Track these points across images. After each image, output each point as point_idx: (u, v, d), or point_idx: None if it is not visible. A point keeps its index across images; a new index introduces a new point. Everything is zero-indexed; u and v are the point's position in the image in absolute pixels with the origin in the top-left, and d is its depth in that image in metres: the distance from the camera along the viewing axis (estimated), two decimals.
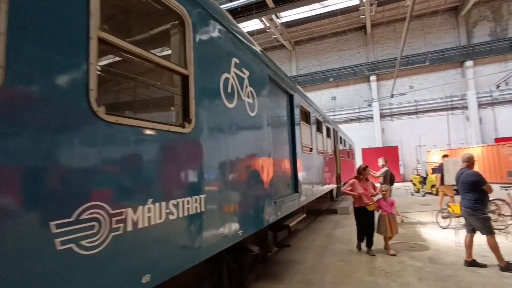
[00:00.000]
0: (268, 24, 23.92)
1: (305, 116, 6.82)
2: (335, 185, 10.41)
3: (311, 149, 6.77)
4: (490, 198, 7.19)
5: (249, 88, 3.50)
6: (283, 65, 29.24)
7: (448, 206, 7.39)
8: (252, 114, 3.54)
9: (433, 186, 14.17)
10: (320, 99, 27.91)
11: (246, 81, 3.42)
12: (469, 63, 23.92)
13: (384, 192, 5.87)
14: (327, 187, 8.64)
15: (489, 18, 24.47)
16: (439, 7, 24.46)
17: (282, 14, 24.28)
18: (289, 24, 25.86)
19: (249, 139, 3.44)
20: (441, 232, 6.82)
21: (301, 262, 5.32)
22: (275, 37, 26.31)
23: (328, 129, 9.98)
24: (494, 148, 18.30)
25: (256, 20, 23.83)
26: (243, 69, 3.36)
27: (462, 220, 7.50)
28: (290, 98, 5.51)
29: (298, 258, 5.52)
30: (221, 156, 2.79)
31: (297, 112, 5.73)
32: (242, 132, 3.28)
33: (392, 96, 18.40)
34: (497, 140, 22.92)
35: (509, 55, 23.39)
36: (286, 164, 5.04)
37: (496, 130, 23.74)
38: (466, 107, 24.34)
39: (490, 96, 23.76)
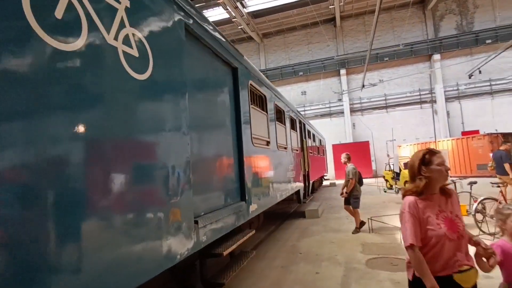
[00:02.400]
0: (233, 14, 22.34)
1: (260, 100, 5.40)
2: (303, 185, 9.13)
3: (268, 143, 5.37)
4: (480, 198, 6.19)
5: (130, 30, 1.99)
6: (252, 59, 27.79)
7: None
8: (140, 77, 2.04)
9: (406, 182, 13.37)
10: (290, 94, 26.80)
11: (121, 14, 1.90)
12: (436, 56, 23.78)
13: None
14: (292, 188, 7.31)
15: (455, 12, 24.48)
16: (407, 0, 24.11)
17: (248, 3, 22.83)
18: (256, 14, 24.44)
19: (131, 119, 1.94)
20: None
21: None
22: (241, 28, 24.77)
23: (293, 121, 8.65)
24: (464, 141, 18.02)
25: (221, 9, 22.24)
26: None
27: None
28: (234, 72, 4.05)
29: None
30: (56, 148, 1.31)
31: (244, 93, 4.28)
32: (109, 105, 1.78)
33: (363, 86, 17.55)
34: (464, 133, 22.97)
35: (475, 49, 23.51)
36: (226, 162, 3.59)
37: (463, 124, 23.82)
38: (434, 101, 24.23)
39: (457, 89, 23.78)
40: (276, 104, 6.30)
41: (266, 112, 5.48)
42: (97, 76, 1.72)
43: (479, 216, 6.05)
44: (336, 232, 6.88)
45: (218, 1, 20.43)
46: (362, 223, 6.78)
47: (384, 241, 5.83)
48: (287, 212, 10.12)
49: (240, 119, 3.99)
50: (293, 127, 8.66)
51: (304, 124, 10.63)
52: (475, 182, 6.73)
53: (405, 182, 13.56)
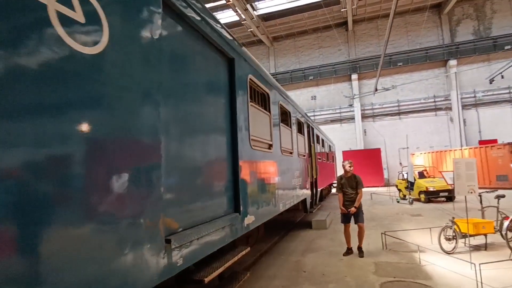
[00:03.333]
0: (243, 16, 21.99)
1: (262, 99, 4.86)
2: (310, 193, 8.50)
3: (270, 146, 4.80)
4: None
5: None
6: (262, 62, 27.39)
7: (454, 222, 5.59)
8: (87, 50, 1.52)
9: (421, 192, 12.59)
10: (299, 98, 26.23)
11: None
12: (452, 62, 22.90)
13: None
14: (297, 197, 6.71)
15: (472, 17, 23.61)
16: (422, 4, 23.36)
17: (259, 5, 22.48)
18: (266, 17, 24.07)
19: (68, 107, 1.42)
20: (448, 261, 4.99)
21: None
22: (251, 31, 24.40)
23: (300, 124, 8.07)
24: (482, 151, 17.06)
25: (231, 11, 21.94)
26: None
27: (472, 241, 5.77)
28: (230, 64, 3.52)
29: None
30: None
31: (242, 88, 3.75)
32: (33, 87, 1.26)
33: (376, 90, 16.81)
34: (481, 142, 21.95)
35: (493, 55, 22.56)
36: (216, 168, 3.05)
37: (480, 132, 22.79)
38: (450, 108, 23.28)
39: (474, 97, 22.81)
40: (281, 105, 5.74)
41: (269, 112, 4.93)
42: (12, 46, 1.20)
43: (511, 234, 5.33)
44: (346, 246, 6.22)
45: (228, 3, 20.12)
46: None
47: (400, 260, 5.16)
48: (293, 221, 9.49)
49: (235, 118, 3.45)
50: (300, 130, 8.07)
51: (312, 128, 10.03)
52: (503, 196, 6.01)
53: (420, 192, 12.78)
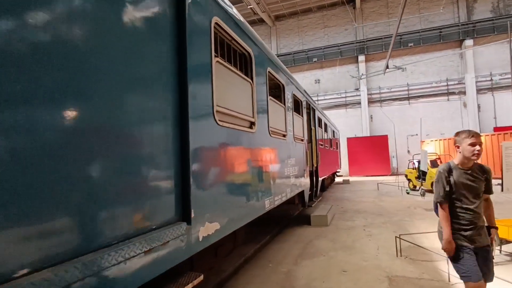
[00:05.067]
0: None
1: (241, 59, 3.61)
2: (309, 184, 7.31)
3: (252, 125, 3.58)
4: None
5: None
6: None
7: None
8: None
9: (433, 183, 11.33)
10: (302, 82, 24.74)
11: None
12: (468, 42, 21.17)
13: None
14: (292, 189, 5.53)
15: None
16: None
17: None
18: None
19: None
20: None
21: None
22: (251, 8, 22.75)
23: (298, 103, 6.81)
24: (501, 138, 15.63)
25: None
26: None
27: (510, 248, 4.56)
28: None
29: None
30: None
31: (200, 35, 2.49)
32: None
33: (387, 67, 15.37)
34: (496, 129, 20.47)
35: None
36: (144, 152, 1.84)
37: (496, 119, 21.27)
38: (463, 92, 21.72)
39: (491, 80, 21.18)
40: (270, 73, 4.47)
41: (251, 79, 3.67)
42: None
43: None
44: (350, 251, 5.07)
45: None
46: None
47: (422, 274, 3.98)
48: (289, 215, 8.34)
49: (186, 79, 2.22)
50: (298, 110, 6.82)
51: (313, 110, 8.75)
52: None
53: (432, 183, 11.52)
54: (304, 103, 7.17)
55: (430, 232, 5.36)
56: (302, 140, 6.73)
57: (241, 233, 3.95)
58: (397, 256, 4.67)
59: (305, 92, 7.60)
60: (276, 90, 5.23)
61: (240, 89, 3.36)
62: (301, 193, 6.67)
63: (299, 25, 25.79)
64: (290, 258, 4.90)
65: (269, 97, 4.33)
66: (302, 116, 6.96)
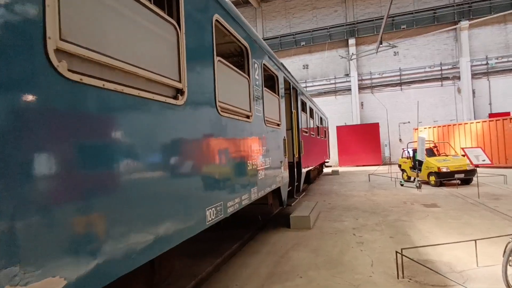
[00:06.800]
0: None
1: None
2: (287, 179, 6.04)
3: (179, 93, 2.24)
4: None
5: None
6: None
7: None
8: None
9: (431, 173, 10.25)
10: (289, 67, 23.31)
11: None
12: (464, 23, 19.98)
13: None
14: (260, 188, 4.24)
15: None
16: None
17: None
18: None
19: None
20: None
21: None
22: None
23: (274, 78, 5.48)
24: (498, 124, 14.66)
25: None
26: None
27: None
28: None
29: None
30: None
31: None
32: None
33: (381, 43, 14.12)
34: (491, 115, 19.61)
35: (509, 16, 19.68)
36: None
37: (491, 105, 20.35)
38: (458, 77, 20.68)
39: (486, 64, 20.16)
40: (219, 23, 3.09)
41: (178, 22, 2.30)
42: None
43: None
44: (335, 268, 3.84)
45: None
46: None
47: None
48: (268, 214, 7.09)
49: None
50: (273, 88, 5.49)
51: (295, 90, 7.43)
52: None
53: (429, 173, 10.45)
54: (280, 79, 5.82)
55: (441, 244, 4.15)
56: (278, 125, 5.42)
57: (169, 263, 2.63)
58: (398, 277, 3.45)
59: (284, 67, 6.24)
60: (236, 55, 3.88)
61: (157, 41, 2.00)
62: (277, 190, 5.39)
63: (286, 7, 24.20)
64: (256, 280, 3.63)
65: (218, 58, 2.97)
66: (279, 95, 5.62)
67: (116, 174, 1.64)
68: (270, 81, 5.56)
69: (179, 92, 2.28)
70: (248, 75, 3.90)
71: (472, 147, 10.27)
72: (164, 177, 2.06)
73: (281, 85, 5.84)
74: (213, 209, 2.72)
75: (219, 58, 2.99)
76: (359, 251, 4.39)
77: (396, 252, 3.52)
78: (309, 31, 23.12)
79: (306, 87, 23.13)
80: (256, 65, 4.22)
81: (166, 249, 2.05)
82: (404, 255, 3.48)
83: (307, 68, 23.88)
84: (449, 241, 4.46)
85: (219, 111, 2.91)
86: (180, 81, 2.28)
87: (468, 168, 9.76)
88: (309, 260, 4.17)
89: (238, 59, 4.33)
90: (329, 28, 22.77)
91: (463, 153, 8.52)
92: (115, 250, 1.58)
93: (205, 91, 2.68)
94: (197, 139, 2.51)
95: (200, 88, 2.59)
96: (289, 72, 6.85)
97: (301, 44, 23.36)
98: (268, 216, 6.74)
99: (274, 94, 5.33)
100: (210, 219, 2.65)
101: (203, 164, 2.58)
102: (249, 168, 3.72)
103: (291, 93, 7.03)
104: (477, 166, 8.01)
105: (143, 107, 1.88)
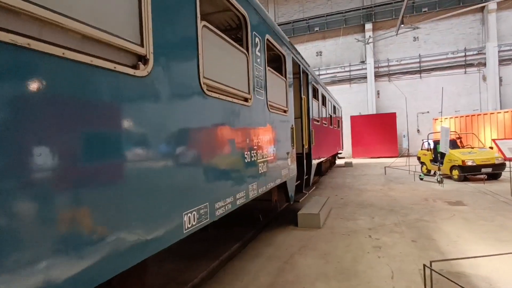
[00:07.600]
0: None
1: None
2: (295, 172, 5.43)
3: (140, 60, 1.65)
4: None
5: None
6: None
7: None
8: None
9: (454, 167, 9.41)
10: (303, 54, 22.35)
11: None
12: (492, 5, 18.51)
13: None
14: (261, 184, 3.66)
15: None
16: None
17: None
18: None
19: None
20: None
21: None
22: None
23: (278, 56, 4.83)
24: None
25: None
26: None
27: None
28: None
29: None
30: None
31: None
32: None
33: (402, 24, 13.17)
34: None
35: None
36: None
37: None
38: (483, 64, 19.32)
39: None
40: None
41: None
42: None
43: None
44: (348, 281, 3.25)
45: None
46: None
47: None
48: (273, 211, 6.52)
49: None
50: (279, 69, 4.83)
51: (306, 74, 6.74)
52: None
53: (452, 167, 9.62)
54: (288, 60, 5.15)
55: (480, 257, 3.47)
56: (285, 111, 4.78)
57: (143, 281, 2.09)
58: None
59: (293, 47, 5.55)
60: (234, 29, 3.25)
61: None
62: (284, 185, 4.80)
63: None
64: None
65: (202, 23, 2.36)
66: (286, 78, 4.96)
67: (35, 170, 1.08)
68: (276, 62, 4.91)
69: (141, 59, 1.70)
70: (247, 50, 3.27)
71: (505, 139, 9.34)
72: (115, 175, 1.50)
73: (289, 68, 5.17)
74: (194, 212, 2.15)
75: (204, 22, 2.37)
76: (376, 258, 3.77)
77: (424, 266, 2.88)
78: (323, 16, 22.04)
79: (319, 74, 22.20)
80: (257, 39, 3.57)
81: (119, 271, 1.50)
82: (432, 269, 2.84)
83: (320, 55, 22.87)
84: (484, 248, 3.78)
85: (204, 89, 2.31)
86: (142, 45, 1.69)
87: (496, 162, 8.89)
88: (317, 268, 3.58)
89: (237, 32, 3.71)
90: (345, 12, 21.62)
91: (493, 145, 7.66)
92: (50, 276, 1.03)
93: (183, 62, 2.08)
94: (169, 123, 1.93)
95: (175, 57, 2.00)
96: (299, 54, 6.16)
97: (315, 29, 22.32)
98: (273, 213, 6.17)
99: (280, 76, 4.68)
100: (189, 225, 2.08)
101: (178, 156, 2.00)
102: (246, 161, 3.13)
103: (301, 77, 6.35)
104: (510, 159, 7.17)
105: (79, 76, 1.31)
